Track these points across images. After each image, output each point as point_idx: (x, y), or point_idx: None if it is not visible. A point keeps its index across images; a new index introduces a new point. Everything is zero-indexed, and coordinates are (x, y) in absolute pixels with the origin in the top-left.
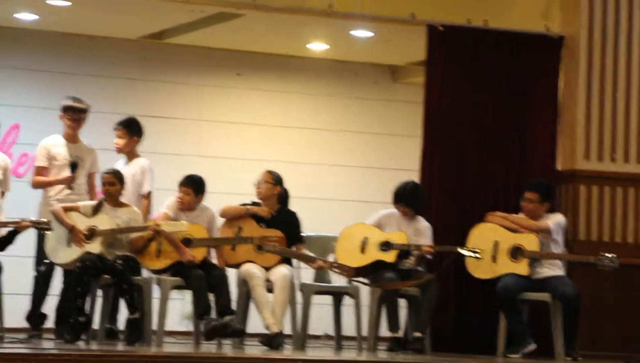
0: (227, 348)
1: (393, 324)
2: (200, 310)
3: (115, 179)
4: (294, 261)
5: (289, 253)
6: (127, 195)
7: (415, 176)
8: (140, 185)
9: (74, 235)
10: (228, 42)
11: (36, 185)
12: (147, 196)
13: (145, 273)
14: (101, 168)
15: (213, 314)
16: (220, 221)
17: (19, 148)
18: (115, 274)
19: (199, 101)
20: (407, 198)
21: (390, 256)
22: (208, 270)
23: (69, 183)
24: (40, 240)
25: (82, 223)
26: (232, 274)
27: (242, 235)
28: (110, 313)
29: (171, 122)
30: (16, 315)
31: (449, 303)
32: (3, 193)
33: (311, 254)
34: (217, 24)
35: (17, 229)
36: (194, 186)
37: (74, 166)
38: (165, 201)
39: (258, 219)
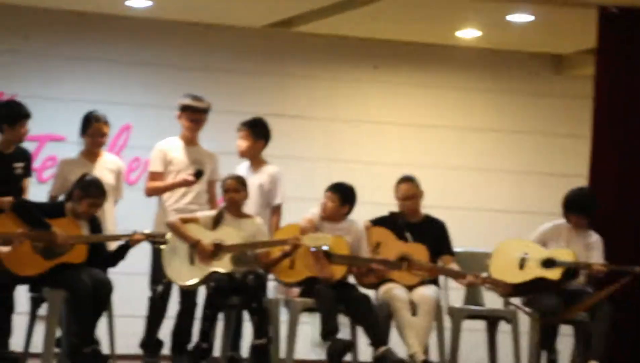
0: None
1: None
2: (326, 330)
3: (240, 185)
4: (441, 280)
5: (435, 270)
6: (250, 206)
7: (581, 183)
8: (268, 196)
9: (199, 251)
10: (364, 30)
11: (151, 192)
12: (278, 208)
13: (270, 293)
14: (221, 175)
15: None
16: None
17: (130, 152)
18: (246, 292)
19: (331, 97)
20: (584, 207)
21: (554, 274)
22: (347, 292)
23: (188, 186)
24: (156, 255)
25: (204, 236)
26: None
27: (380, 252)
28: (232, 338)
29: (299, 121)
30: (129, 340)
31: (625, 329)
32: (116, 201)
33: (459, 269)
34: (352, 10)
35: (129, 243)
36: (341, 193)
37: (199, 174)
38: (307, 211)
39: (398, 229)
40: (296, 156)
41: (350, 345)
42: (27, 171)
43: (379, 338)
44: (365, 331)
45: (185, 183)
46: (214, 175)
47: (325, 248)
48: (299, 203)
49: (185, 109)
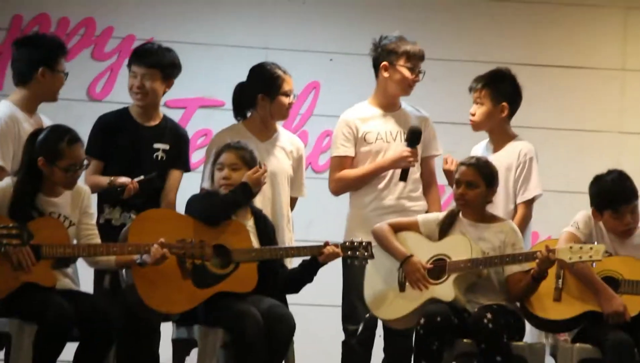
0: None
1: None
2: None
3: (479, 176)
4: None
5: None
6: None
7: None
8: (518, 185)
9: (410, 271)
10: None
11: (339, 185)
12: (530, 203)
13: None
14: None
15: None
16: None
17: (319, 122)
18: (484, 337)
19: None
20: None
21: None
22: None
23: (403, 165)
24: (352, 278)
25: (423, 249)
26: None
27: None
28: None
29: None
30: None
31: None
32: (294, 200)
33: None
34: None
35: (318, 259)
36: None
37: (414, 135)
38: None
39: None
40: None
41: None
42: (174, 158)
43: None
44: None
45: (401, 161)
46: (432, 147)
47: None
48: (563, 198)
49: (402, 55)
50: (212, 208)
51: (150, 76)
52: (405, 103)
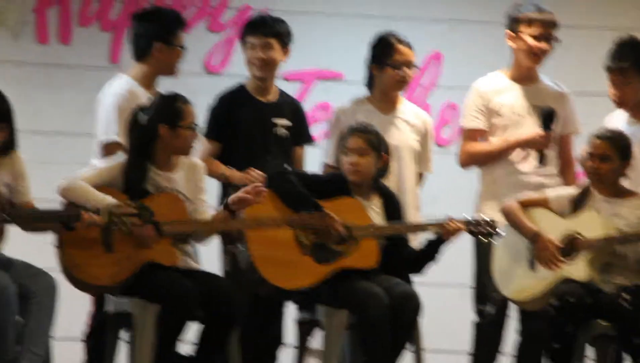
0: None
1: None
2: None
3: (613, 149)
4: None
5: None
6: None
7: None
8: None
9: (541, 250)
10: None
11: (468, 158)
12: None
13: None
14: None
15: None
16: None
17: (441, 94)
18: (621, 318)
19: None
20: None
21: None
22: None
23: (539, 146)
24: (482, 256)
25: (554, 226)
26: None
27: None
28: None
29: None
30: None
31: None
32: (421, 176)
33: None
34: None
35: (442, 235)
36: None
37: (548, 117)
38: None
39: None
40: None
41: None
42: (296, 134)
43: None
44: None
45: (533, 144)
46: (570, 124)
47: None
48: None
49: (527, 22)
50: (294, 203)
51: (270, 46)
52: (544, 76)
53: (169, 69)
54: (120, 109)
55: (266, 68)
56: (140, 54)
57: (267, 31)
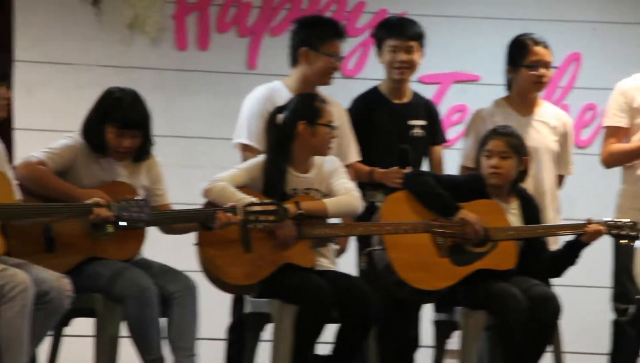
0: None
1: None
2: None
3: None
4: None
5: None
6: None
7: None
8: None
9: None
10: None
11: (610, 158)
12: None
13: None
14: None
15: None
16: None
17: (581, 95)
18: None
19: None
20: None
21: None
22: None
23: None
24: (622, 257)
25: None
26: None
27: None
28: None
29: None
30: None
31: None
32: (561, 178)
33: None
34: None
35: (581, 238)
36: None
37: None
38: None
39: None
40: None
41: None
42: (432, 133)
43: None
44: None
45: None
46: None
47: None
48: None
49: None
50: (432, 205)
51: (411, 48)
52: None
53: (318, 77)
54: (253, 113)
55: (409, 71)
56: (292, 59)
57: (409, 34)
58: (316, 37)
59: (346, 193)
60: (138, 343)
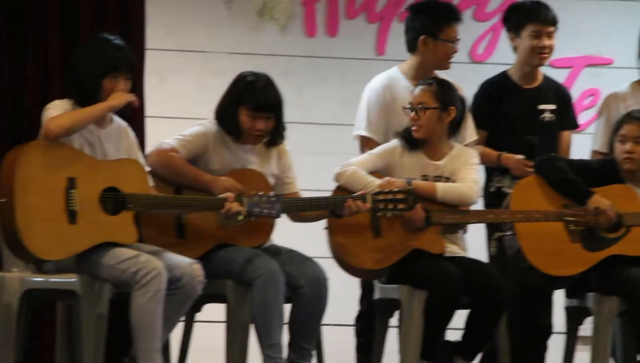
0: None
1: None
2: None
3: None
4: None
5: None
6: None
7: None
8: None
9: None
10: None
11: None
12: None
13: None
14: None
15: None
16: None
17: None
18: None
19: None
20: None
21: None
22: None
23: None
24: None
25: None
26: None
27: None
28: None
29: None
30: None
31: None
32: None
33: None
34: None
35: None
36: None
37: None
38: None
39: None
40: None
41: None
42: (562, 118)
43: None
44: None
45: None
46: None
47: None
48: None
49: None
50: (564, 190)
51: (552, 33)
52: None
53: (436, 63)
54: (371, 104)
55: (548, 56)
56: (410, 46)
57: (551, 19)
58: (435, 25)
59: (463, 181)
60: (259, 326)
